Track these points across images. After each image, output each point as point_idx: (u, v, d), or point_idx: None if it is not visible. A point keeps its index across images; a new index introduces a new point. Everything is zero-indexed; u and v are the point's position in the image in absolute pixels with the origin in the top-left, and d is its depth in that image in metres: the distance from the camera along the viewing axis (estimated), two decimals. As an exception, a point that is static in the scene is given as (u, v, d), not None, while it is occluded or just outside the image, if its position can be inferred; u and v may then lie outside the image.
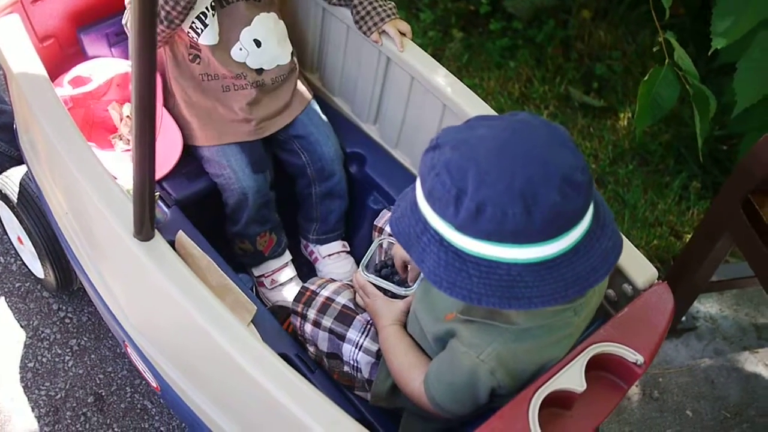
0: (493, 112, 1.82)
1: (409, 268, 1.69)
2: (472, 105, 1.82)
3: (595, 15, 3.27)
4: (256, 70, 1.94)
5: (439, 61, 2.82)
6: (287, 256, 2.10)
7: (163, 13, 1.77)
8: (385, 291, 1.69)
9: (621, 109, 3.01)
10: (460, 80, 2.85)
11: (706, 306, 2.55)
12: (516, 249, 1.14)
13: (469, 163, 1.13)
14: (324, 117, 2.09)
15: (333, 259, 2.11)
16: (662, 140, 2.92)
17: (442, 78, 1.86)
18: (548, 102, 3.01)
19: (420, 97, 1.92)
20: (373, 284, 1.69)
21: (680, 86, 2.12)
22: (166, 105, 1.95)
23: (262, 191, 1.96)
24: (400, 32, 1.91)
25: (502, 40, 3.19)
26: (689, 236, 2.59)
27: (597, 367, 1.39)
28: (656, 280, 1.58)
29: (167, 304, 1.53)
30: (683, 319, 2.48)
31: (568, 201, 1.13)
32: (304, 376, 1.46)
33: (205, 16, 1.85)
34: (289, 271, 2.09)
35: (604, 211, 1.24)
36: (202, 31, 1.86)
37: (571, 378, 1.33)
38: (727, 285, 2.41)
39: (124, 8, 1.93)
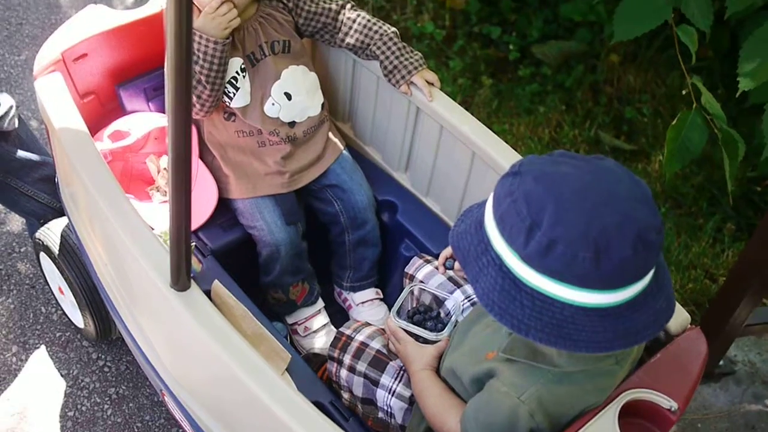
0: (520, 158, 1.83)
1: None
2: (501, 153, 1.84)
3: (623, 59, 3.29)
4: (289, 123, 1.98)
5: (469, 108, 2.86)
6: (320, 303, 2.12)
7: (203, 78, 1.84)
8: (416, 337, 1.70)
9: (652, 152, 3.01)
10: (490, 126, 2.88)
11: (744, 350, 2.52)
12: (574, 291, 1.14)
13: (550, 198, 1.13)
14: (356, 166, 2.12)
15: (367, 306, 2.13)
16: (694, 182, 2.91)
17: (470, 127, 1.89)
18: (578, 146, 3.03)
19: (449, 145, 1.95)
20: (405, 330, 1.71)
21: (708, 130, 2.12)
22: (202, 159, 2.00)
23: (294, 243, 2.00)
24: (428, 82, 1.95)
25: (531, 86, 3.23)
26: (724, 279, 2.57)
27: (631, 413, 1.39)
28: (689, 325, 1.57)
29: (203, 354, 1.55)
30: (721, 363, 2.45)
31: (638, 258, 1.13)
32: (339, 424, 1.47)
33: (236, 80, 1.91)
34: (322, 318, 2.11)
35: (664, 272, 1.24)
36: (234, 95, 1.92)
37: (605, 425, 1.33)
38: (764, 328, 2.38)
39: (163, 65, 2.00)
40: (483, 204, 1.26)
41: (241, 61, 1.91)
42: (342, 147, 2.11)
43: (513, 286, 1.17)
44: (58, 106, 1.82)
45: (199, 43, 1.82)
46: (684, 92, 3.15)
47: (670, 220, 2.81)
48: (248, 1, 1.90)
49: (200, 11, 1.84)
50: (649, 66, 3.26)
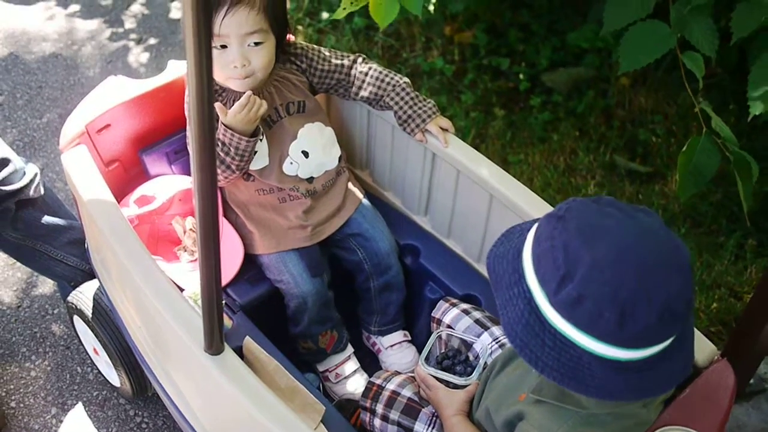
0: (537, 198, 1.87)
1: None
2: (518, 194, 1.87)
3: (633, 81, 3.32)
4: (307, 179, 2.03)
5: (483, 141, 2.88)
6: (349, 349, 2.16)
7: (233, 166, 1.90)
8: (446, 382, 1.73)
9: (668, 172, 3.03)
10: (506, 157, 2.91)
11: (775, 367, 2.52)
12: (596, 343, 1.17)
13: (587, 253, 1.15)
14: (377, 213, 2.16)
15: (395, 350, 2.16)
16: (713, 200, 2.92)
17: (486, 170, 1.92)
18: (594, 172, 3.05)
19: (467, 188, 1.99)
20: (434, 376, 1.74)
21: (720, 154, 2.14)
22: (226, 217, 2.04)
23: (320, 293, 2.04)
24: (442, 129, 1.99)
25: (543, 114, 3.26)
26: (749, 296, 2.57)
27: (664, 450, 1.41)
28: (716, 357, 1.59)
29: (239, 414, 1.59)
30: (751, 381, 2.45)
31: (663, 326, 1.15)
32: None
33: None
34: (352, 364, 2.14)
35: (688, 332, 1.25)
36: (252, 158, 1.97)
37: (640, 465, 1.35)
38: (792, 345, 2.37)
39: (183, 128, 2.06)
40: (525, 230, 1.28)
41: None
42: (361, 196, 2.15)
43: (538, 322, 1.20)
44: (85, 178, 1.87)
45: (231, 139, 1.86)
46: (696, 110, 3.16)
47: (690, 239, 2.81)
48: (266, 76, 1.95)
49: (226, 108, 1.87)
50: (660, 87, 3.28)
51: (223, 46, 1.85)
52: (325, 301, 2.06)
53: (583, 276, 1.14)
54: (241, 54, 1.85)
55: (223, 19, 1.80)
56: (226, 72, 1.88)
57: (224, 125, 1.85)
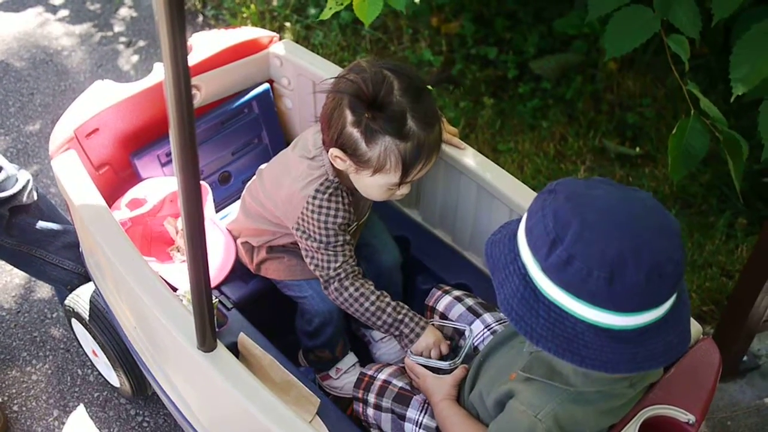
0: (523, 185, 1.89)
1: None
2: (504, 183, 1.89)
3: (621, 65, 3.33)
4: None
5: (473, 130, 2.89)
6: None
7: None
8: (435, 369, 1.77)
9: (658, 155, 3.05)
10: (495, 146, 2.92)
11: (767, 343, 2.54)
12: (587, 308, 1.20)
13: (576, 216, 1.19)
14: (383, 224, 2.14)
15: (385, 342, 2.17)
16: (702, 181, 2.94)
17: (473, 160, 1.94)
18: (584, 157, 3.07)
19: (455, 179, 2.01)
20: (422, 365, 1.78)
21: (709, 134, 2.15)
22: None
23: None
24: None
25: (532, 102, 3.27)
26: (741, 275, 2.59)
27: (650, 429, 1.43)
28: (701, 336, 1.61)
29: (236, 410, 1.61)
30: (745, 358, 2.48)
31: (652, 286, 1.17)
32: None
33: None
34: (351, 358, 2.13)
35: (684, 307, 1.28)
36: None
37: (626, 443, 1.38)
38: (784, 321, 2.40)
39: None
40: (520, 218, 1.33)
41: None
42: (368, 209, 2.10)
43: (533, 296, 1.24)
44: (75, 183, 1.90)
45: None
46: (684, 91, 3.17)
47: (681, 220, 2.83)
48: None
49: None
50: (647, 70, 3.30)
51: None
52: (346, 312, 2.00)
53: (573, 238, 1.18)
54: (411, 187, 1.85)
55: (419, 171, 1.78)
56: (386, 195, 1.85)
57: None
